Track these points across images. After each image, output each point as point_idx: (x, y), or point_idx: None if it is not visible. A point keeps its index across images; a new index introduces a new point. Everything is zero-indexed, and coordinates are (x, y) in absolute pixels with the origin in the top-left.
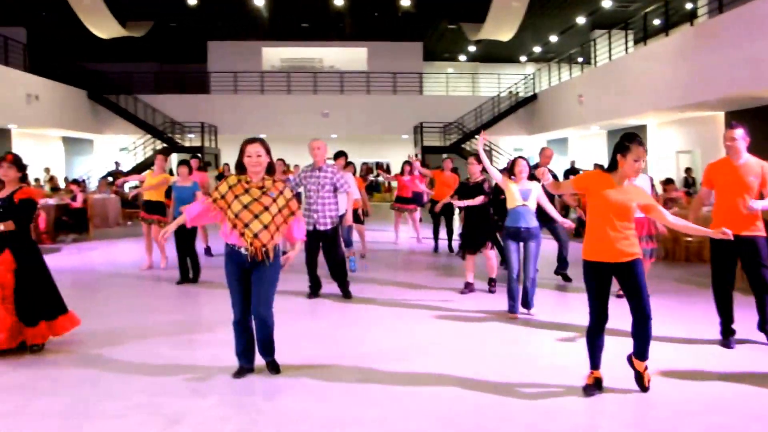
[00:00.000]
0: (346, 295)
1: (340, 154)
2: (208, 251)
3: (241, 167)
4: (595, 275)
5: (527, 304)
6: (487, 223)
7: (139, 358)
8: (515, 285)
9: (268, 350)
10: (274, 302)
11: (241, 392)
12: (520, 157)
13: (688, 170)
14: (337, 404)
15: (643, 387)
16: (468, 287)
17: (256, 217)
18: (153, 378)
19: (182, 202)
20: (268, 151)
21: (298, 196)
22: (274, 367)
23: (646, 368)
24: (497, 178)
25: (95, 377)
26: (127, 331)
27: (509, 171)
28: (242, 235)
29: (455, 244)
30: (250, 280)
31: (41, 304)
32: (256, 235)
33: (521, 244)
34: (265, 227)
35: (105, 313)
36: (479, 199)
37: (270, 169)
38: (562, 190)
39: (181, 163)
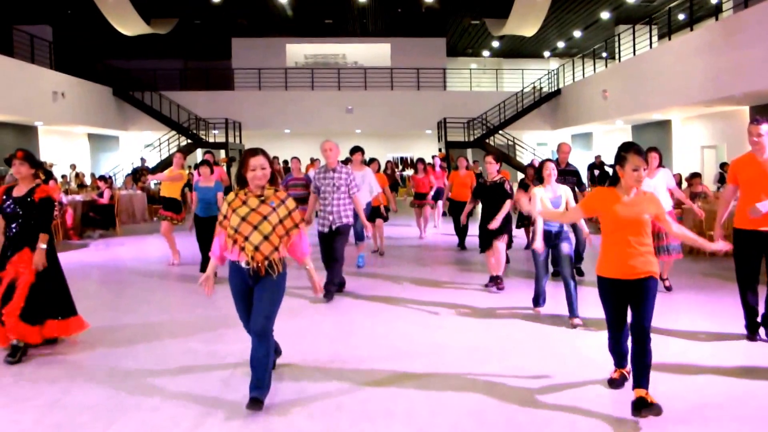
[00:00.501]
0: (328, 294)
1: (356, 150)
2: None
3: (241, 180)
4: (609, 291)
5: (572, 311)
6: (504, 222)
7: (170, 352)
8: (543, 283)
9: (259, 381)
10: (276, 318)
11: (271, 386)
12: (549, 159)
13: (723, 165)
14: (366, 398)
15: (654, 410)
16: (498, 281)
17: (255, 228)
18: (184, 372)
19: (206, 203)
20: (270, 161)
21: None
22: (255, 404)
23: (647, 393)
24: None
25: (128, 371)
26: (156, 326)
27: (537, 174)
28: (242, 249)
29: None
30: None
31: (51, 304)
32: (257, 248)
33: (551, 247)
34: (266, 238)
35: (135, 309)
36: (507, 207)
37: (272, 179)
38: (570, 218)
39: (202, 163)
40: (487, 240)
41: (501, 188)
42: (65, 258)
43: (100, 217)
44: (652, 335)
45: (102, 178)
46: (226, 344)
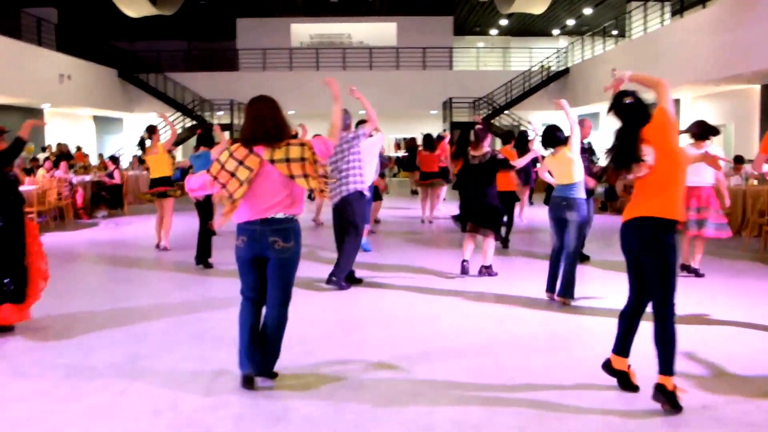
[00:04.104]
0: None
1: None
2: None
3: None
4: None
5: (567, 291)
6: (492, 204)
7: (181, 320)
8: (555, 261)
9: (271, 352)
10: None
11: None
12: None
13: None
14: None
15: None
16: (464, 264)
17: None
18: (195, 337)
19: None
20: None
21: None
22: (269, 377)
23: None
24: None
25: (142, 335)
26: (168, 297)
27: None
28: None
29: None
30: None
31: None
32: None
33: (558, 217)
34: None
35: (150, 283)
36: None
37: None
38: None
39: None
40: (470, 220)
41: (493, 161)
42: (76, 237)
43: (110, 197)
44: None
45: (112, 158)
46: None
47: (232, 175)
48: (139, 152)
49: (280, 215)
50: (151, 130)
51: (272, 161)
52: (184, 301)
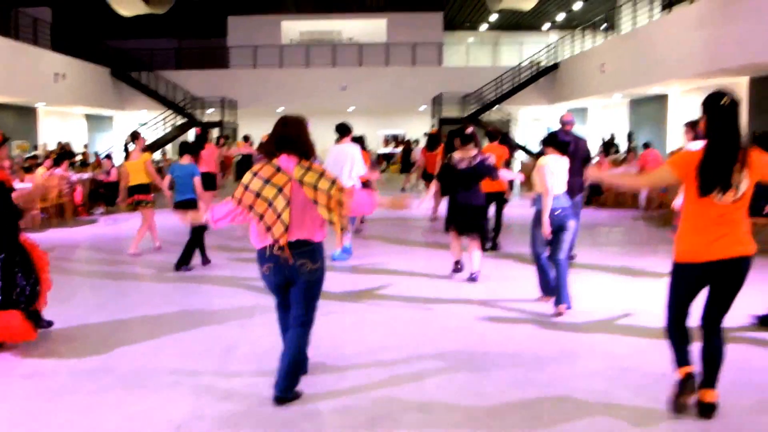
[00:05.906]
0: None
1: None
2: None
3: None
4: None
5: (558, 298)
6: (481, 210)
7: (197, 301)
8: (541, 265)
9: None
10: None
11: None
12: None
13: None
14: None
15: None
16: (457, 265)
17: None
18: (208, 317)
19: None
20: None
21: None
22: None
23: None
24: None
25: (167, 318)
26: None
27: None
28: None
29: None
30: None
31: None
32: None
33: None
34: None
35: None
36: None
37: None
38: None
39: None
40: (455, 224)
41: (482, 166)
42: (78, 233)
43: (109, 194)
44: None
45: (108, 156)
46: (241, 298)
47: (257, 195)
48: (124, 156)
49: (304, 239)
50: (135, 136)
51: (301, 182)
52: (204, 287)
